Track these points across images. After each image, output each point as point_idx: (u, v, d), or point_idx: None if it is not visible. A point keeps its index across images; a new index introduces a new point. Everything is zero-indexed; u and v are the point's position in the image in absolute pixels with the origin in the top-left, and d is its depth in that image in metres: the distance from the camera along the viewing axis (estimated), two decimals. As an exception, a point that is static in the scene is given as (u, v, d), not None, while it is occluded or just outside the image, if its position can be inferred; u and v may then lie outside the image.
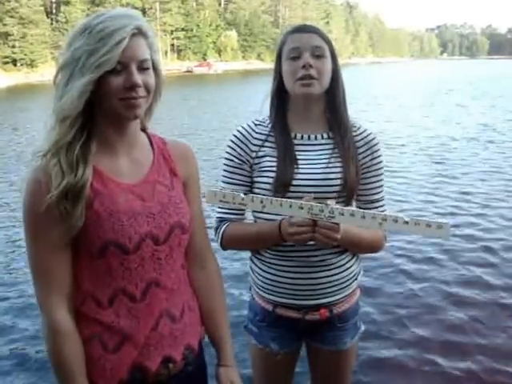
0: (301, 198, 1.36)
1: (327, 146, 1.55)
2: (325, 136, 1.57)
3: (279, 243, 1.49)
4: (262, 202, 1.31)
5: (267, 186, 1.51)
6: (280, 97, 1.58)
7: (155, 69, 1.17)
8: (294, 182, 1.49)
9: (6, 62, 47.64)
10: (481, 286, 3.97)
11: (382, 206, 1.61)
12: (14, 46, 48.55)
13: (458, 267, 4.34)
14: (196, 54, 68.76)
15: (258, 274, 1.62)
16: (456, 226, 5.16)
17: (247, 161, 1.56)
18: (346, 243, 1.48)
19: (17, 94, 29.83)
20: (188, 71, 56.16)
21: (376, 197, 1.60)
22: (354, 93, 17.79)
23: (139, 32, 1.12)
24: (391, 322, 3.46)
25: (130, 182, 1.20)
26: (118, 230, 1.13)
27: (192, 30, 68.56)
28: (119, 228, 1.13)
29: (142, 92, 1.12)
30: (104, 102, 1.12)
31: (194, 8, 71.36)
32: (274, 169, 1.51)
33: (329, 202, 1.32)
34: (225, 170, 1.59)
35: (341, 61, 1.61)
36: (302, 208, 1.31)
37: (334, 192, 1.49)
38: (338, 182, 1.50)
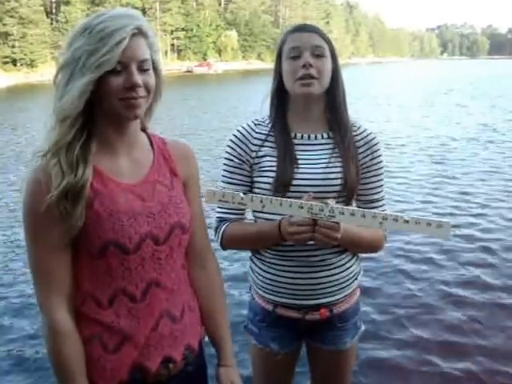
0: (301, 197, 1.36)
1: (327, 146, 1.55)
2: (325, 136, 1.57)
3: (279, 243, 1.49)
4: (261, 201, 1.31)
5: (267, 186, 1.51)
6: (280, 96, 1.58)
7: (155, 69, 1.17)
8: (294, 182, 1.49)
9: (6, 62, 47.59)
10: (480, 286, 3.97)
11: (382, 206, 1.61)
12: (13, 46, 48.49)
13: (458, 267, 4.33)
14: (196, 53, 68.72)
15: (258, 274, 1.62)
16: (456, 226, 5.15)
17: (247, 161, 1.56)
18: (346, 243, 1.48)
19: (16, 94, 29.81)
20: (188, 71, 56.10)
21: (376, 196, 1.60)
22: (354, 93, 17.78)
23: (139, 32, 1.12)
24: (390, 322, 3.46)
25: (130, 182, 1.20)
26: (118, 230, 1.13)
27: (192, 30, 68.52)
28: (119, 228, 1.13)
29: (142, 92, 1.12)
30: (104, 102, 1.12)
31: (194, 8, 71.31)
32: (274, 169, 1.51)
33: (329, 201, 1.32)
34: (225, 170, 1.59)
35: (341, 61, 1.61)
36: (301, 207, 1.31)
37: (334, 192, 1.49)
38: (338, 181, 1.50)
